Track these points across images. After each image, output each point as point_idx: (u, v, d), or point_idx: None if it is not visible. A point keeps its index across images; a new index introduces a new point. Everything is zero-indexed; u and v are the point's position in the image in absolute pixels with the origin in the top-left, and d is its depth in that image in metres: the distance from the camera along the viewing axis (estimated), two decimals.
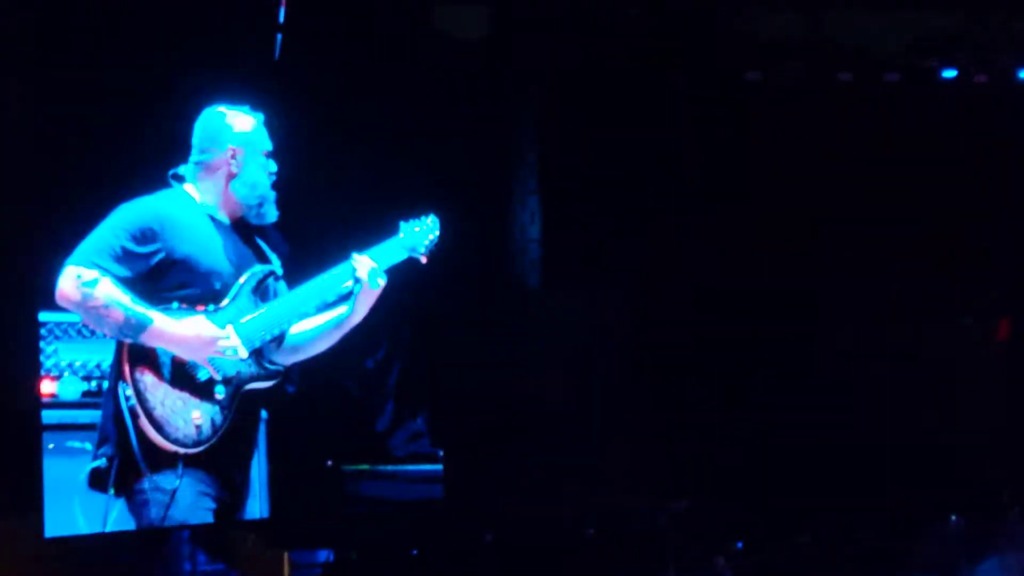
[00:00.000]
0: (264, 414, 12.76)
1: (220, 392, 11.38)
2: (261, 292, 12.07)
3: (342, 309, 12.10)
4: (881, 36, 23.72)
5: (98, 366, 13.84)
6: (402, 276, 13.57)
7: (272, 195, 12.46)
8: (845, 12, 23.70)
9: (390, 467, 18.33)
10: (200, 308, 11.51)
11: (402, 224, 12.95)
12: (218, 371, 11.24)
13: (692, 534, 19.36)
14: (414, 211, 13.36)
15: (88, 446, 12.53)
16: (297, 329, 12.22)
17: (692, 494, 18.07)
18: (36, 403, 12.99)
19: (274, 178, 12.70)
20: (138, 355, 11.30)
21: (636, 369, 24.67)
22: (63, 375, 13.83)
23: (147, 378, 11.09)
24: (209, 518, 11.22)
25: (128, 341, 11.22)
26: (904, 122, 25.24)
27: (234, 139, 12.44)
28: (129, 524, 11.81)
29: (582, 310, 24.31)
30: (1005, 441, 25.99)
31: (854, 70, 23.75)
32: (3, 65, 14.47)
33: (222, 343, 11.24)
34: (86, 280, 11.02)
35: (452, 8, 21.49)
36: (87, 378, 13.93)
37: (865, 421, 25.04)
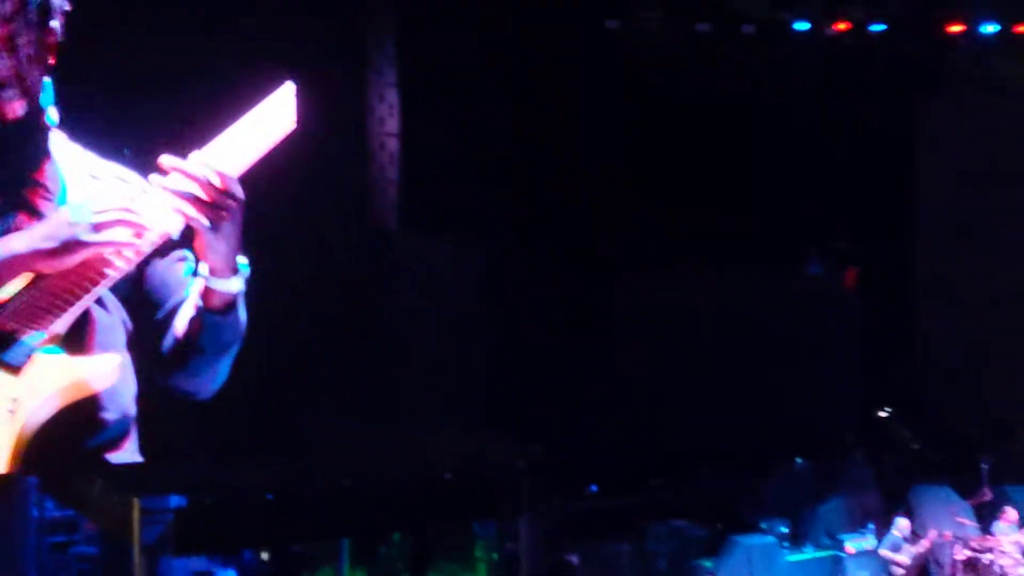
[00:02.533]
0: None
1: None
2: None
3: None
4: None
5: None
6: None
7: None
8: None
9: None
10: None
11: None
12: None
13: (548, 478, 19.58)
14: None
15: None
16: None
17: (548, 439, 18.25)
18: None
19: None
20: None
21: (494, 316, 24.82)
22: None
23: None
24: None
25: None
26: (759, 71, 25.70)
27: None
28: None
29: (441, 256, 24.36)
30: (848, 386, 26.72)
31: (712, 20, 24.09)
32: None
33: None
34: None
35: None
36: None
37: (713, 368, 25.53)
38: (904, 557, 19.53)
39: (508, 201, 24.05)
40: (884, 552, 19.79)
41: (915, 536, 20.44)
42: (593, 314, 25.26)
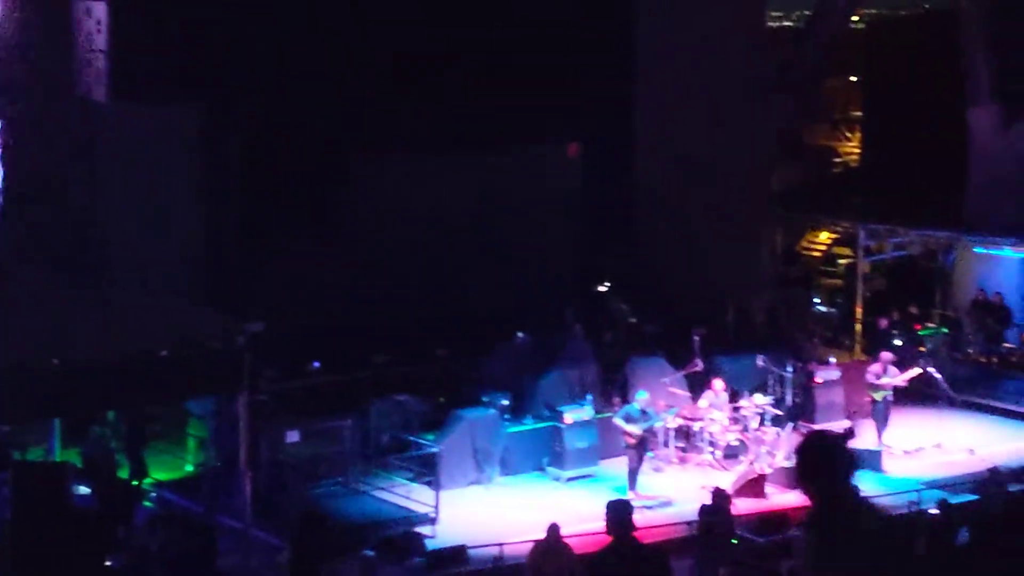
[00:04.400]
0: None
1: None
2: None
3: None
4: None
5: None
6: None
7: None
8: None
9: None
10: None
11: None
12: None
13: (269, 355, 19.31)
14: None
15: None
16: None
17: (270, 315, 17.96)
18: None
19: None
20: None
21: (214, 189, 24.20)
22: None
23: None
24: None
25: None
26: None
27: None
28: None
29: (153, 126, 23.56)
30: (568, 263, 27.16)
31: None
32: None
33: None
34: None
35: None
36: None
37: (439, 247, 25.57)
38: (636, 428, 20.01)
39: (230, 71, 23.34)
40: (617, 421, 20.21)
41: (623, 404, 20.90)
42: (320, 191, 24.88)
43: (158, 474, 20.48)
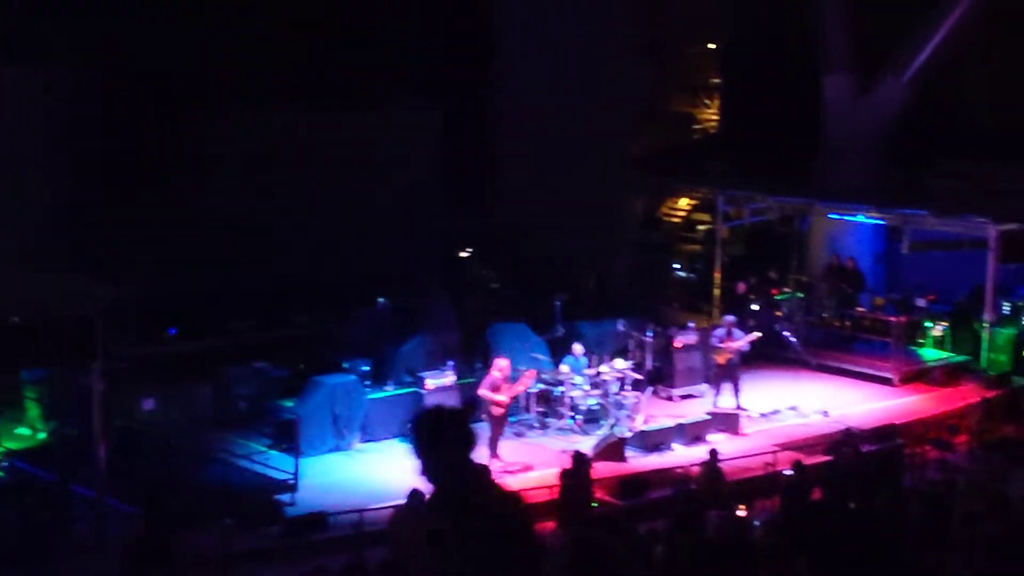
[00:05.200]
0: None
1: None
2: None
3: None
4: None
5: None
6: None
7: None
8: None
9: None
10: None
11: None
12: None
13: (125, 321, 18.97)
14: None
15: None
16: None
17: (124, 281, 17.62)
18: None
19: None
20: None
21: (72, 152, 23.67)
22: None
23: None
24: None
25: None
26: None
27: None
28: None
29: (10, 90, 23.00)
30: (430, 228, 27.07)
31: None
32: None
33: None
34: None
35: None
36: None
37: (297, 210, 25.31)
38: (503, 397, 19.98)
39: (89, 33, 22.79)
40: (483, 392, 20.11)
41: (485, 370, 20.89)
42: (177, 154, 24.45)
43: (8, 443, 20.06)
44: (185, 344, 21.69)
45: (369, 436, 21.03)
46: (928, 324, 26.18)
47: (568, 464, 17.87)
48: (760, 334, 23.64)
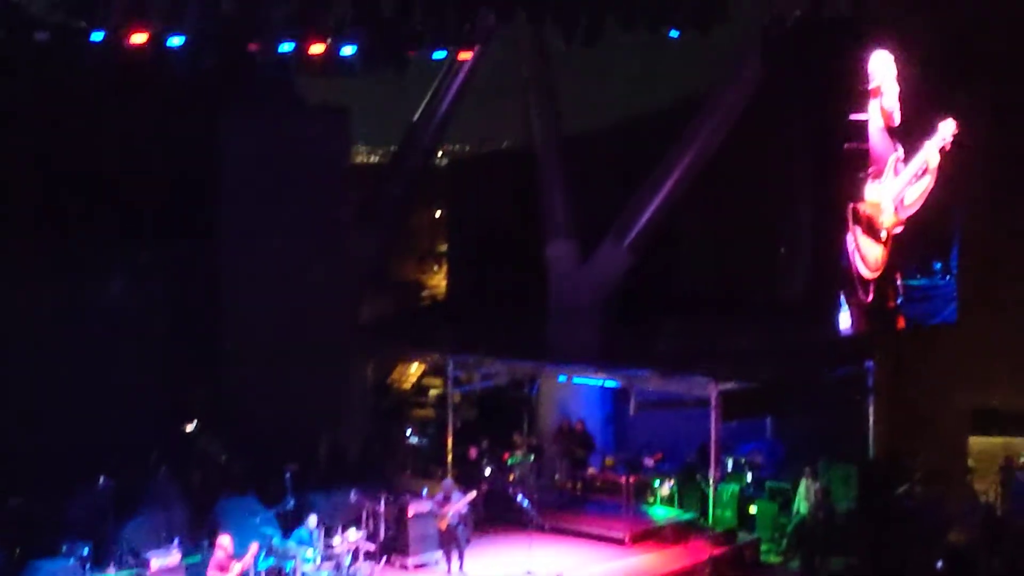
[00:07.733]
0: None
1: None
2: None
3: None
4: None
5: None
6: None
7: None
8: None
9: None
10: None
11: None
12: None
13: None
14: None
15: None
16: None
17: None
18: None
19: None
20: None
21: None
22: None
23: None
24: None
25: None
26: (54, 79, 24.88)
27: None
28: None
29: None
30: (152, 401, 26.33)
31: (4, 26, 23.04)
32: None
33: None
34: None
35: None
36: None
37: (7, 384, 24.31)
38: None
39: None
40: (211, 574, 19.55)
41: (212, 547, 20.35)
42: None
43: None
44: None
45: None
46: (656, 483, 26.66)
47: None
48: (475, 493, 23.78)
